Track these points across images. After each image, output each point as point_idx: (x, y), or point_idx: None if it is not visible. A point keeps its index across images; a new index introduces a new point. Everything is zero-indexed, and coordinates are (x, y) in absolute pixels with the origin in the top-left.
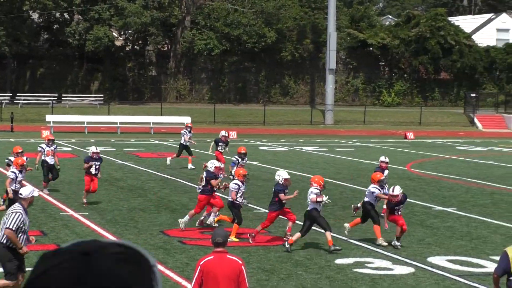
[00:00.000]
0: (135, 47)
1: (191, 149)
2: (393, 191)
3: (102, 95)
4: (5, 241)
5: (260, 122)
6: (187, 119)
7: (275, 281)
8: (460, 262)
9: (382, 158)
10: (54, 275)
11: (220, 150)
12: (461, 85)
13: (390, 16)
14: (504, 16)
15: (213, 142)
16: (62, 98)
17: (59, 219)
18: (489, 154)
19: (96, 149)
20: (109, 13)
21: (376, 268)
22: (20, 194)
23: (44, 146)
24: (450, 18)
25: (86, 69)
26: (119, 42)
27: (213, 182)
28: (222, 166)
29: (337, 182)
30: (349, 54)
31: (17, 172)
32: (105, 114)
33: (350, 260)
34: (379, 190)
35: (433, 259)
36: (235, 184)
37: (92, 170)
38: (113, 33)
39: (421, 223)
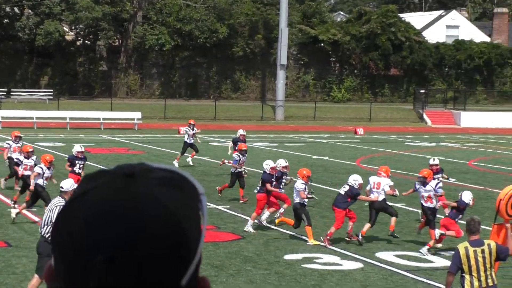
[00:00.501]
0: (86, 42)
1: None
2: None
3: (51, 90)
4: (47, 236)
5: (211, 118)
6: (137, 115)
7: (224, 277)
8: (407, 257)
9: (431, 161)
10: (92, 197)
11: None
12: (410, 81)
13: (341, 13)
14: (454, 13)
15: (231, 143)
16: (11, 93)
17: (6, 215)
18: (438, 149)
19: (81, 148)
20: (60, 8)
21: (325, 264)
22: (61, 187)
23: (10, 142)
24: (401, 15)
25: (36, 63)
26: (69, 36)
27: (268, 186)
28: (286, 164)
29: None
30: (300, 50)
31: (44, 168)
32: (55, 109)
33: (299, 256)
34: (414, 188)
35: (381, 254)
36: (302, 184)
37: (76, 169)
38: (64, 28)
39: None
